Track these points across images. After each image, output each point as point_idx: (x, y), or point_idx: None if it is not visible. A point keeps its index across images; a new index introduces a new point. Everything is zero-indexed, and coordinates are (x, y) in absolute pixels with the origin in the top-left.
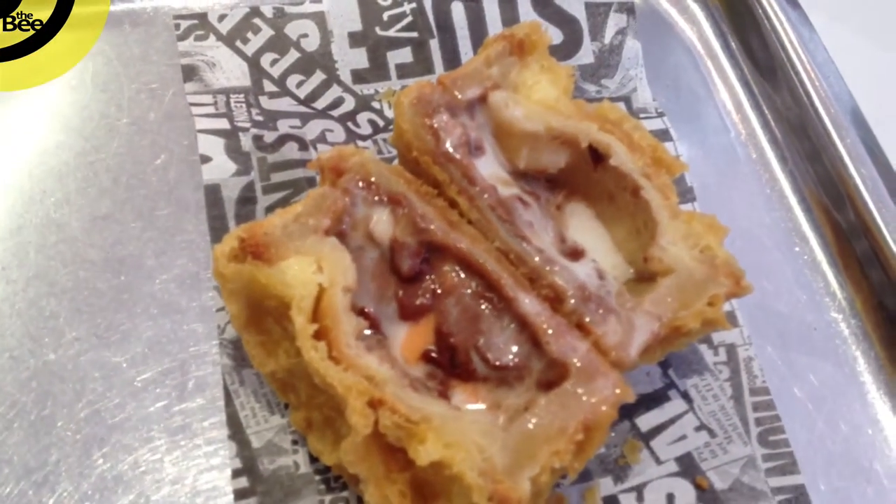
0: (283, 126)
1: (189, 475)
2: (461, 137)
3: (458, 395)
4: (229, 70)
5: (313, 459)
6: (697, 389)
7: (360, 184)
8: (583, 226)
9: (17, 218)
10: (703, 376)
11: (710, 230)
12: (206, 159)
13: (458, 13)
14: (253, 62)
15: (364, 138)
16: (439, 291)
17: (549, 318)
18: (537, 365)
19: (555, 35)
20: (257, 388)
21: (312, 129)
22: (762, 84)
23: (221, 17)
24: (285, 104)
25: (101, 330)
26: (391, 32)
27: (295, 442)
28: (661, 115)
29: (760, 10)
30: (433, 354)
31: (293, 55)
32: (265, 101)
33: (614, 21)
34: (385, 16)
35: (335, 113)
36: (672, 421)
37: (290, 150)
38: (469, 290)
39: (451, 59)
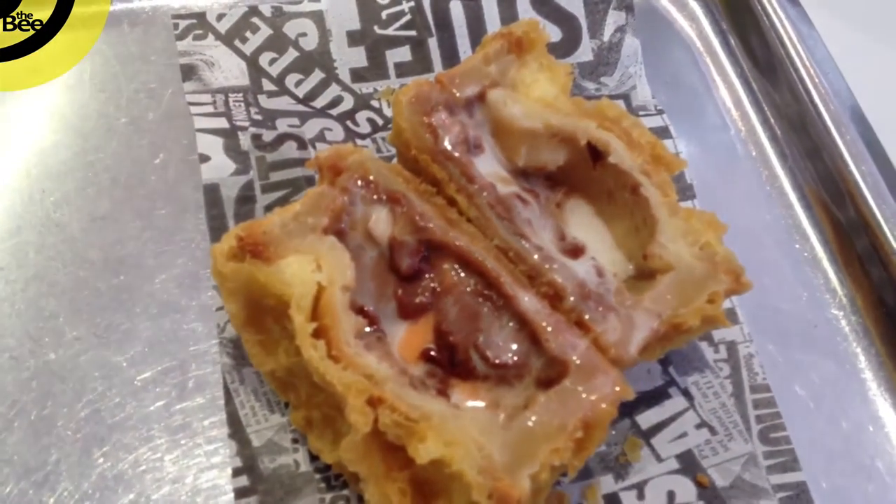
0: (282, 125)
1: (189, 474)
2: (460, 135)
3: (457, 393)
4: (228, 69)
5: (313, 458)
6: (698, 387)
7: (359, 182)
8: (583, 223)
9: (17, 218)
10: (704, 374)
11: (710, 227)
12: (204, 158)
13: (457, 11)
14: (251, 61)
15: (363, 137)
16: (438, 290)
17: (548, 315)
18: (537, 363)
19: (554, 33)
20: (257, 386)
21: (311, 128)
22: (762, 81)
23: (220, 17)
24: (284, 103)
25: (100, 329)
26: (390, 31)
27: (295, 441)
28: (660, 112)
29: (759, 8)
30: (433, 353)
31: (292, 54)
32: (264, 101)
33: (613, 19)
34: (383, 14)
35: (334, 112)
36: (673, 418)
37: (289, 149)
38: (468, 289)
39: (450, 58)
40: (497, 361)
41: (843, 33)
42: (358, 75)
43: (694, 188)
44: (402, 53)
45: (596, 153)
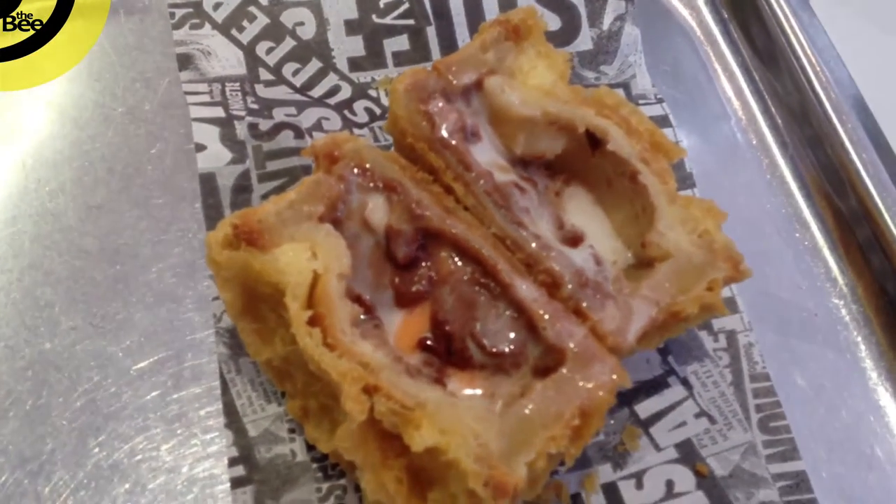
0: (279, 114)
1: (185, 464)
2: (457, 123)
3: (454, 382)
4: (225, 58)
5: (310, 447)
6: (697, 376)
7: (355, 170)
8: (582, 211)
9: (13, 208)
10: (703, 363)
11: (709, 215)
12: (200, 148)
13: (456, 0)
14: (248, 50)
15: (360, 126)
16: (435, 278)
17: (545, 303)
18: (534, 351)
19: (553, 21)
20: (254, 376)
21: (308, 118)
22: (762, 70)
23: (217, 6)
24: (281, 92)
25: (96, 319)
26: (387, 20)
27: (292, 430)
28: (660, 101)
29: None
30: (429, 342)
31: (289, 43)
32: (261, 90)
33: (613, 7)
34: (381, 3)
35: (331, 101)
36: (672, 407)
37: (286, 139)
38: (465, 277)
39: (448, 47)
40: (494, 350)
41: (844, 21)
42: (356, 64)
43: (694, 177)
44: (400, 42)
45: (594, 141)
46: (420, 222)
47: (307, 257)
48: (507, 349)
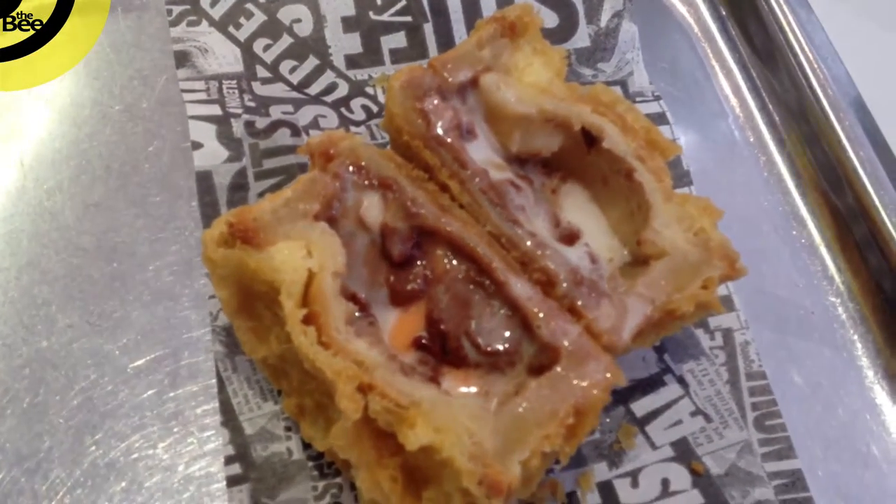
0: (276, 112)
1: (182, 462)
2: (452, 121)
3: (449, 380)
4: (222, 56)
5: (306, 446)
6: (693, 374)
7: (351, 168)
8: (578, 208)
9: (10, 206)
10: (700, 361)
11: (705, 213)
12: (197, 146)
13: None
14: (246, 48)
15: (357, 124)
16: (430, 276)
17: (540, 301)
18: (529, 350)
19: (550, 18)
20: (250, 374)
21: (305, 115)
22: (760, 67)
23: (214, 3)
24: (278, 90)
25: (93, 317)
26: (385, 17)
27: (288, 428)
28: (657, 98)
29: None
30: (424, 341)
31: (286, 40)
32: (258, 87)
33: (610, 4)
34: (378, 0)
35: (328, 99)
36: (668, 406)
37: (283, 137)
38: (460, 275)
39: (446, 44)
40: (488, 348)
41: (842, 17)
42: (353, 62)
43: (691, 174)
44: (398, 39)
45: (590, 138)
46: (415, 220)
47: (302, 255)
48: (501, 348)
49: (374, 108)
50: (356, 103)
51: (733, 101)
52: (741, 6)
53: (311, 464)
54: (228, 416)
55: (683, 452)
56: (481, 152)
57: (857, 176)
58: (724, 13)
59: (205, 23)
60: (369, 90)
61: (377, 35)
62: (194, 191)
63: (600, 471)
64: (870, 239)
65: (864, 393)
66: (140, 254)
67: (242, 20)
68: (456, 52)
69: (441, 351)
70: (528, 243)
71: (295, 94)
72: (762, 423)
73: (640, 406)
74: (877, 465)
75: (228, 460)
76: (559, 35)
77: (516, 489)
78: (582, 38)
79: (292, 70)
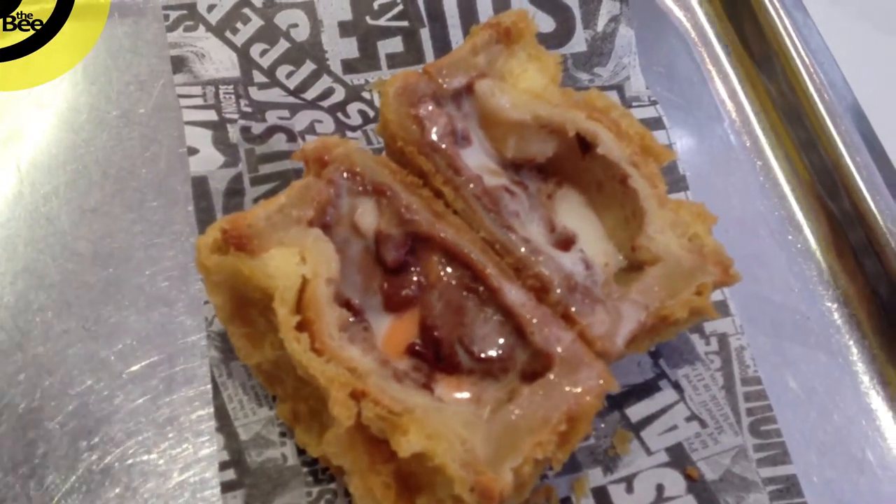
0: (272, 117)
1: (176, 468)
2: (446, 127)
3: (442, 387)
4: (219, 61)
5: (301, 451)
6: (688, 379)
7: (345, 174)
8: (574, 214)
9: (6, 211)
10: (695, 366)
11: (699, 219)
12: (193, 151)
13: (450, 1)
14: (242, 53)
15: (354, 129)
16: (424, 283)
17: (533, 308)
18: (522, 356)
19: (547, 23)
20: (245, 380)
21: (301, 121)
22: (756, 71)
23: (211, 7)
24: (275, 95)
25: (89, 323)
26: (381, 21)
27: (283, 434)
28: (654, 103)
29: None
30: (418, 348)
31: (283, 45)
32: (254, 92)
33: (607, 9)
34: (375, 5)
35: (325, 104)
36: (663, 411)
37: (279, 142)
38: (454, 282)
39: (442, 49)
40: (482, 355)
41: (838, 22)
42: (349, 66)
43: (687, 179)
44: (394, 44)
45: (585, 144)
46: (409, 226)
47: (296, 262)
48: (494, 354)
49: (371, 113)
50: (353, 108)
51: (729, 105)
52: (738, 11)
53: (305, 469)
54: (223, 422)
55: (678, 458)
56: (476, 158)
57: (853, 181)
58: (720, 17)
59: (202, 28)
60: (366, 95)
61: (374, 40)
62: (191, 196)
63: (595, 476)
64: (866, 244)
65: (860, 398)
66: (136, 259)
67: (239, 25)
68: (451, 58)
69: (434, 357)
70: (522, 249)
71: (291, 99)
72: (757, 429)
73: (635, 411)
74: (872, 470)
75: (223, 466)
76: (556, 40)
77: (508, 496)
78: (578, 42)
79: (289, 75)
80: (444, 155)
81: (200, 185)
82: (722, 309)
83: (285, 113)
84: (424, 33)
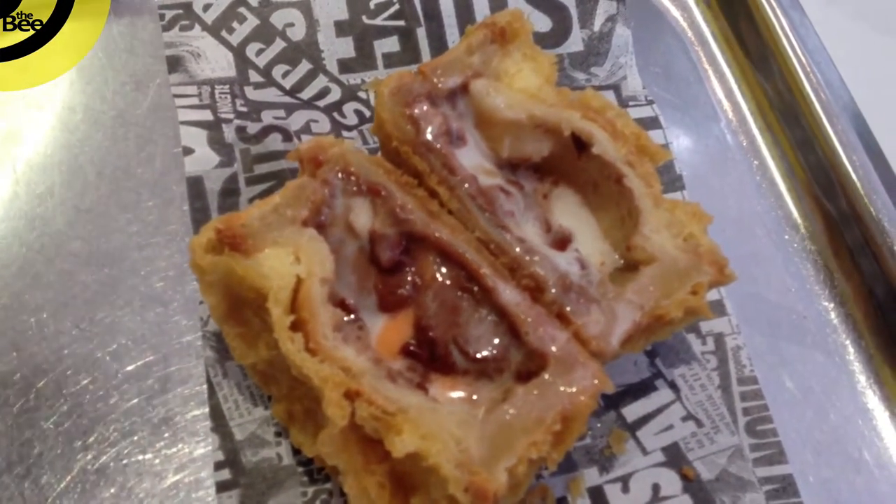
0: (268, 117)
1: (171, 467)
2: (441, 127)
3: (436, 387)
4: (214, 60)
5: (296, 451)
6: (685, 379)
7: (340, 174)
8: (570, 213)
9: (1, 211)
10: (691, 366)
11: (694, 218)
12: (188, 151)
13: (446, 1)
14: (238, 52)
15: (350, 129)
16: (419, 283)
17: (528, 308)
18: (516, 356)
19: (543, 23)
20: (240, 380)
21: (297, 120)
22: (753, 71)
23: (206, 7)
24: (271, 95)
25: (84, 323)
26: (378, 21)
27: (278, 434)
28: (650, 102)
29: None
30: (412, 348)
31: (279, 45)
32: (250, 92)
33: (604, 8)
34: (372, 4)
35: (321, 103)
36: (659, 411)
37: (274, 142)
38: (449, 281)
39: (439, 48)
40: (477, 356)
41: (835, 21)
42: (346, 66)
43: (683, 179)
44: (391, 44)
45: (580, 144)
46: (404, 226)
47: (290, 262)
48: (489, 354)
49: (367, 113)
50: (349, 108)
51: (726, 105)
52: (734, 10)
53: (300, 469)
54: (218, 422)
55: (674, 457)
56: (471, 158)
57: (849, 180)
58: (717, 16)
59: (197, 27)
60: (362, 95)
61: (370, 39)
62: (186, 196)
63: (591, 476)
64: (862, 243)
65: (856, 398)
66: (131, 259)
67: (235, 24)
68: (446, 58)
69: (429, 357)
70: (517, 249)
71: (287, 99)
72: (753, 428)
73: (632, 411)
74: (868, 470)
75: (218, 466)
76: (552, 39)
77: (503, 496)
78: (575, 42)
79: (285, 74)
80: (438, 155)
81: (196, 185)
82: (718, 308)
83: (281, 113)
84: (421, 33)
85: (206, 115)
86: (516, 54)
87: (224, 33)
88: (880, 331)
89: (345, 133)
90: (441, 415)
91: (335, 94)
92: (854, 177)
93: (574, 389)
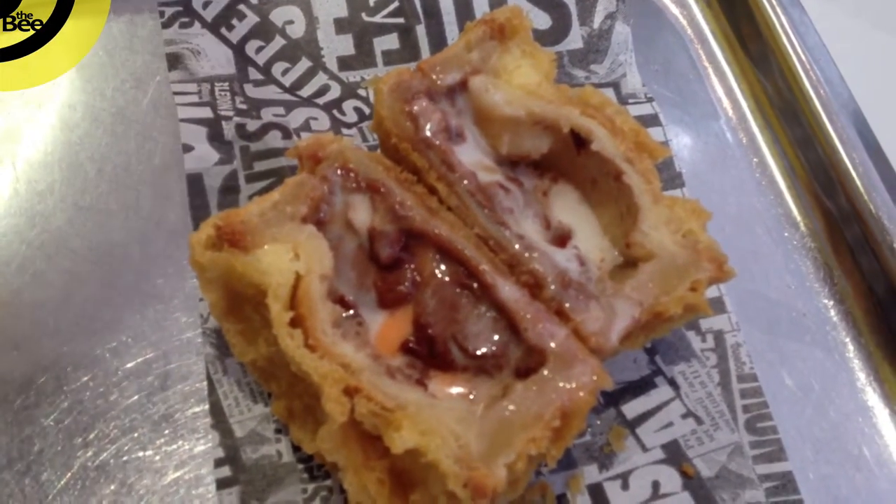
0: (267, 114)
1: (171, 464)
2: (440, 123)
3: (436, 384)
4: (214, 58)
5: (296, 448)
6: (684, 376)
7: (339, 171)
8: (570, 209)
9: (1, 209)
10: (691, 363)
11: (693, 215)
12: (188, 148)
13: None
14: (238, 49)
15: (349, 126)
16: (418, 279)
17: (527, 304)
18: (516, 352)
19: (543, 20)
20: (240, 377)
21: (296, 118)
22: (753, 69)
23: (206, 4)
24: (270, 92)
25: (84, 320)
26: (377, 18)
27: (278, 431)
28: (650, 100)
29: None
30: (411, 345)
31: (279, 42)
32: (250, 89)
33: (603, 5)
34: (371, 1)
35: (320, 101)
36: (659, 408)
37: (274, 139)
38: (448, 278)
39: (438, 45)
40: (476, 352)
41: (835, 18)
42: (345, 63)
43: (683, 176)
44: (390, 41)
45: (579, 140)
46: (403, 223)
47: (289, 258)
48: (488, 351)
49: (367, 110)
50: (348, 105)
51: (726, 102)
52: (734, 8)
53: (300, 466)
54: (218, 419)
55: (674, 454)
56: (470, 155)
57: (849, 178)
58: (716, 14)
59: (197, 24)
60: (361, 92)
61: (370, 37)
62: (186, 193)
63: (590, 473)
64: (862, 241)
65: (856, 395)
66: (131, 256)
67: (235, 22)
68: (445, 55)
69: (428, 354)
70: (516, 246)
71: (287, 97)
72: (753, 426)
73: (631, 408)
74: (868, 467)
75: (218, 463)
76: (552, 36)
77: (502, 492)
78: (575, 39)
79: (284, 72)
80: (437, 151)
81: (195, 182)
82: (718, 306)
83: (280, 110)
84: (420, 30)
85: (206, 113)
86: (515, 51)
87: (224, 30)
88: (880, 328)
89: (344, 130)
90: (440, 411)
91: (335, 91)
92: (854, 174)
93: (573, 386)
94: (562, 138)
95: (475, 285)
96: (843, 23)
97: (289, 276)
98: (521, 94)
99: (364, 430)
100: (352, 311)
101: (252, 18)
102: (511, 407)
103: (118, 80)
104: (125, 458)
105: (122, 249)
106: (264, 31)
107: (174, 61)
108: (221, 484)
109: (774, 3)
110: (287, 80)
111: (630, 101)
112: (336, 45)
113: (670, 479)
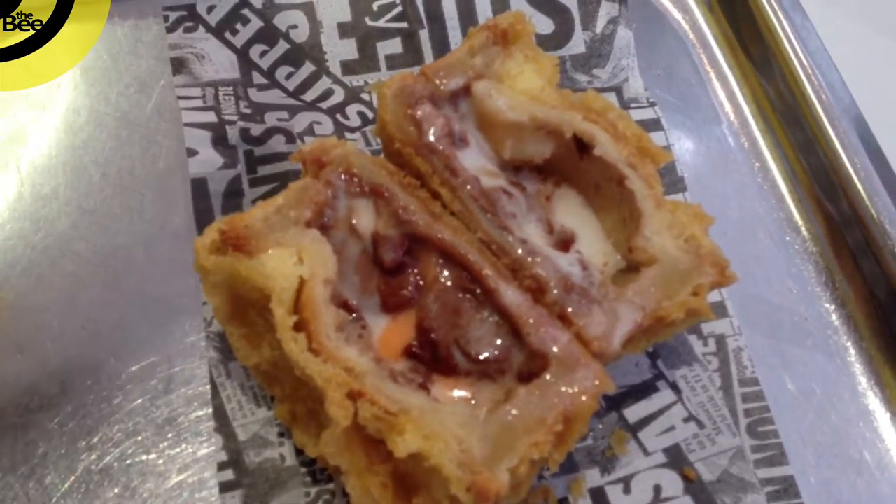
0: (271, 119)
1: (175, 468)
2: (444, 128)
3: (439, 388)
4: (218, 62)
5: (299, 452)
6: (686, 380)
7: (343, 176)
8: (573, 214)
9: (6, 213)
10: (692, 367)
11: (696, 219)
12: (192, 153)
13: (449, 3)
14: (242, 54)
15: (353, 130)
16: (422, 283)
17: (529, 308)
18: (518, 357)
19: (546, 25)
20: (244, 380)
21: (300, 122)
22: (755, 73)
23: (210, 9)
24: (274, 96)
25: (88, 323)
26: (381, 23)
27: (281, 434)
28: (652, 104)
29: None
30: (415, 349)
31: (282, 46)
32: (254, 94)
33: (606, 10)
34: (375, 6)
35: (324, 105)
36: (660, 412)
37: (278, 143)
38: (451, 283)
39: (442, 50)
40: (479, 357)
41: (836, 22)
42: (349, 68)
43: (685, 181)
44: (394, 45)
45: (582, 145)
46: (407, 227)
47: (293, 262)
48: (491, 356)
49: (370, 115)
50: (352, 110)
51: (728, 107)
52: (736, 12)
53: (303, 470)
54: (222, 422)
55: (676, 459)
56: (474, 159)
57: (851, 182)
58: (718, 18)
59: (201, 29)
60: (365, 96)
61: (373, 41)
62: (190, 197)
63: (592, 477)
64: (864, 245)
65: (857, 400)
66: (135, 260)
67: (239, 26)
68: (448, 60)
69: (431, 359)
70: (519, 250)
71: (291, 101)
72: (755, 430)
73: (633, 412)
74: (869, 472)
75: (221, 466)
76: (554, 41)
77: (504, 496)
78: (577, 44)
79: (288, 76)
80: (441, 156)
81: (199, 187)
82: (720, 310)
83: (284, 114)
84: (423, 35)
85: (210, 117)
86: (518, 56)
87: (228, 35)
88: (881, 333)
89: (348, 135)
90: (443, 415)
91: (338, 95)
92: (855, 179)
93: (575, 390)
94: (564, 143)
95: (478, 290)
96: (845, 27)
97: (292, 281)
98: (523, 99)
99: (367, 434)
100: (355, 316)
101: (256, 23)
102: (514, 411)
103: (122, 84)
104: (129, 462)
105: (126, 253)
106: (268, 35)
107: (178, 66)
108: (224, 487)
109: (776, 7)
110: (291, 85)
111: (632, 105)
112: (339, 50)
113: (672, 483)
